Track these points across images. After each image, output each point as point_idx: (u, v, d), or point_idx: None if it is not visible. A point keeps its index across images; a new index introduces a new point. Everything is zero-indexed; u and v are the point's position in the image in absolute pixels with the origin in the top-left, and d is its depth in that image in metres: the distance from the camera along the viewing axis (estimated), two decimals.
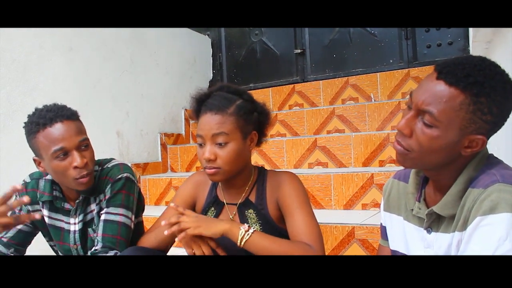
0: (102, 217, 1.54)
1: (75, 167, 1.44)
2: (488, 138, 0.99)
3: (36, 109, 1.48)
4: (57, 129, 1.42)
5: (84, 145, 1.48)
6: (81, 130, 1.48)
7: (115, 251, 1.48)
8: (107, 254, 1.47)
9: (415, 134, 0.99)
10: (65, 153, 1.43)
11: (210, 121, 1.36)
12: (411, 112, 1.00)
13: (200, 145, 1.38)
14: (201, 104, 1.41)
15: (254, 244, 1.26)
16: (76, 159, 1.44)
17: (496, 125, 0.98)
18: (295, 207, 1.38)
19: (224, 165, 1.35)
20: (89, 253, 1.58)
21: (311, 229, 1.34)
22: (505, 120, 0.98)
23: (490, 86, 0.92)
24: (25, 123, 1.47)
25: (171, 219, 1.30)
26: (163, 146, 3.69)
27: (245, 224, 1.30)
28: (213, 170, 1.36)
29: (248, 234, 1.26)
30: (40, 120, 1.42)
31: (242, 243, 1.25)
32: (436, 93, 0.95)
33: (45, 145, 1.42)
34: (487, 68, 0.94)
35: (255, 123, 1.43)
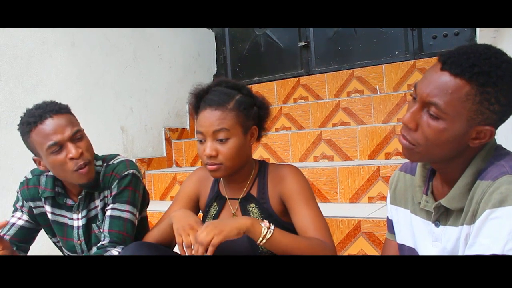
0: (108, 212, 1.54)
1: (71, 159, 1.44)
2: (496, 129, 0.96)
3: (27, 110, 1.49)
4: (48, 124, 1.42)
5: (78, 137, 1.47)
6: (73, 122, 1.48)
7: (122, 246, 1.48)
8: (115, 249, 1.47)
9: (421, 127, 0.96)
10: (60, 146, 1.43)
11: (210, 117, 1.34)
12: (416, 104, 0.97)
13: (201, 141, 1.37)
14: (200, 100, 1.40)
15: (275, 242, 1.22)
16: (71, 150, 1.43)
17: (504, 115, 0.95)
18: (300, 203, 1.37)
19: (225, 161, 1.34)
20: (95, 248, 1.58)
21: (320, 225, 1.34)
22: None
23: (497, 75, 0.90)
24: (18, 125, 1.49)
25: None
26: (168, 141, 3.68)
27: (265, 220, 1.26)
28: (214, 166, 1.35)
29: (270, 231, 1.22)
30: (30, 119, 1.43)
31: (264, 240, 1.21)
32: (441, 84, 0.92)
33: (39, 142, 1.43)
34: (493, 57, 0.91)
35: (255, 117, 1.42)
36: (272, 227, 1.23)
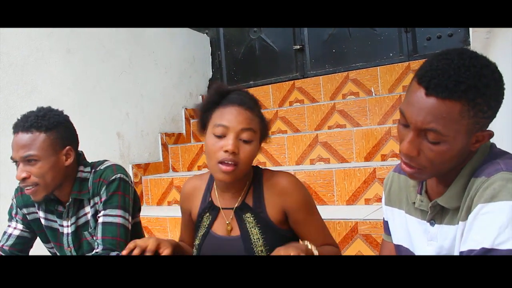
0: (100, 219, 1.53)
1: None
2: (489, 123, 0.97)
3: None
4: (13, 140, 1.50)
5: (29, 160, 1.47)
6: (31, 145, 1.47)
7: (116, 252, 1.47)
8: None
9: (423, 152, 0.95)
10: (15, 163, 1.50)
11: (240, 114, 1.31)
12: (412, 132, 0.95)
13: (219, 136, 1.30)
14: (222, 97, 1.36)
15: None
16: (17, 171, 1.49)
17: (495, 114, 0.96)
18: (309, 216, 1.38)
19: (242, 162, 1.29)
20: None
21: (327, 232, 1.41)
22: (501, 104, 0.96)
23: (483, 84, 0.89)
24: None
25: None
26: (164, 146, 3.68)
27: None
28: (231, 166, 1.28)
29: None
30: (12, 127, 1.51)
31: None
32: (432, 110, 0.91)
33: None
34: (472, 66, 0.90)
35: (265, 129, 1.42)
36: None
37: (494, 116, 0.96)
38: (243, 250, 1.34)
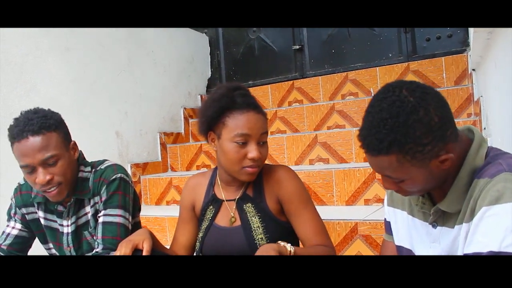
0: (100, 219, 1.53)
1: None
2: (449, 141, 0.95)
3: (14, 119, 1.48)
4: (23, 145, 1.41)
5: (51, 162, 1.44)
6: (48, 146, 1.43)
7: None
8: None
9: (399, 186, 1.01)
10: (31, 168, 1.43)
11: (258, 120, 1.39)
12: (381, 176, 1.04)
13: (241, 144, 1.36)
14: (231, 101, 1.37)
15: None
16: (39, 176, 1.43)
17: (441, 135, 0.93)
18: (301, 207, 1.41)
19: (263, 162, 1.41)
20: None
21: (320, 229, 1.40)
22: (449, 121, 0.95)
23: (402, 133, 0.90)
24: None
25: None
26: (163, 145, 3.67)
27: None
28: (256, 169, 1.39)
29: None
30: (11, 134, 1.43)
31: None
32: (376, 164, 0.98)
33: (16, 158, 1.44)
34: (390, 117, 0.91)
35: None
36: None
37: (443, 136, 0.93)
38: (244, 238, 1.40)
